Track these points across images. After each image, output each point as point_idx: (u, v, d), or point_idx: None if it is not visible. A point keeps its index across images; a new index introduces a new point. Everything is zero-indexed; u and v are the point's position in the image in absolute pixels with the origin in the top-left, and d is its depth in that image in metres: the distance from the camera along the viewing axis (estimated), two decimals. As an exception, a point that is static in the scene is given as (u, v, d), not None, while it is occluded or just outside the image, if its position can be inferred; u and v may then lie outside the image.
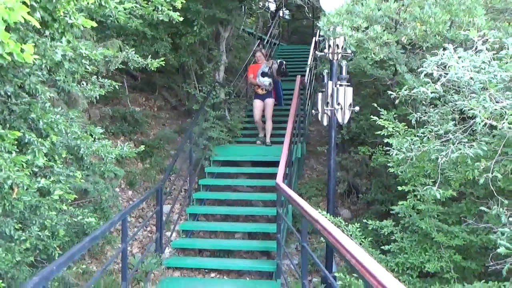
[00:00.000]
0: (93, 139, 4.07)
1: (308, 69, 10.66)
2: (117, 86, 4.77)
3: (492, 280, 4.14)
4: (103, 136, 4.31)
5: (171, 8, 4.10)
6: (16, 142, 3.00)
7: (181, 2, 4.15)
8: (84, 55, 3.08)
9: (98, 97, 4.39)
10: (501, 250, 3.27)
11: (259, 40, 13.97)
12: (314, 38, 12.31)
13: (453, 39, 5.17)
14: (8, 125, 3.10)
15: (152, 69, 4.86)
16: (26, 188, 3.12)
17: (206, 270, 6.52)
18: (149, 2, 3.99)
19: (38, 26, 1.98)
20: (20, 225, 3.43)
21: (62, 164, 3.77)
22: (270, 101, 9.33)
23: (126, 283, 4.28)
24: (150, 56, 4.75)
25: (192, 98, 10.09)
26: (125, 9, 3.32)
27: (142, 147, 5.00)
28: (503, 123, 3.51)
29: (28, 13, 1.83)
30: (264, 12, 16.70)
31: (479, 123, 3.61)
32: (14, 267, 3.31)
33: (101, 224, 4.26)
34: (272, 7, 18.17)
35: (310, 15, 13.57)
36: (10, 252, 3.23)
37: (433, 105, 5.10)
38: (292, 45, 17.49)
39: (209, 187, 8.37)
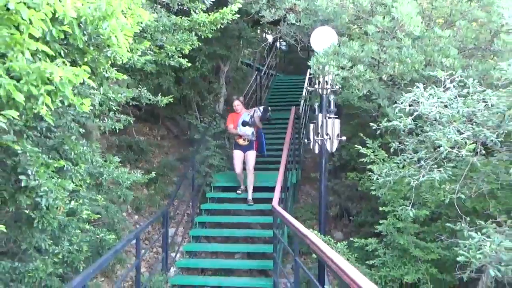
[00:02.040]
0: (113, 166, 4.70)
1: (302, 100, 11.32)
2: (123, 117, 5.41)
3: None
4: (120, 164, 4.95)
5: (181, 55, 4.78)
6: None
7: (188, 48, 4.83)
8: (111, 98, 3.72)
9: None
10: (460, 258, 3.86)
11: (256, 72, 14.67)
12: (308, 70, 13.02)
13: (429, 76, 5.85)
14: (45, 156, 3.70)
15: (160, 104, 5.49)
16: (60, 209, 3.71)
17: (209, 288, 7.06)
18: (161, 50, 4.68)
19: (93, 84, 2.60)
20: (51, 241, 4.01)
21: (86, 189, 4.37)
22: (251, 153, 8.69)
23: (139, 294, 4.84)
24: (153, 88, 5.39)
25: (193, 128, 10.74)
26: (145, 59, 3.98)
27: (153, 174, 5.63)
28: (462, 151, 4.13)
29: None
30: (262, 43, 17.48)
31: (443, 152, 4.24)
32: (47, 277, 3.88)
33: (117, 242, 4.86)
34: (270, 38, 18.99)
35: (303, 48, 14.29)
36: (45, 264, 3.80)
37: (412, 135, 5.74)
38: (289, 75, 18.17)
39: (211, 211, 8.93)
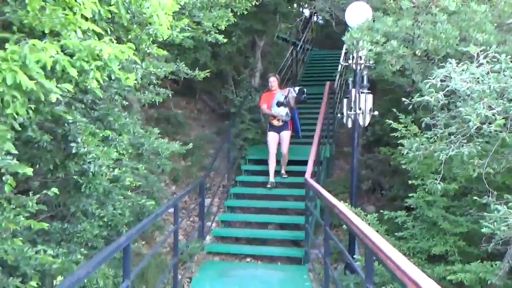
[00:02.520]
0: (153, 138, 4.97)
1: (338, 75, 11.36)
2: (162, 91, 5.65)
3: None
4: (160, 135, 5.22)
5: (217, 31, 4.97)
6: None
7: (224, 24, 5.01)
8: (152, 72, 3.95)
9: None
10: (485, 230, 3.98)
11: (292, 46, 14.70)
12: (344, 45, 12.98)
13: (463, 52, 5.85)
14: (92, 125, 3.98)
15: (198, 78, 5.71)
16: (105, 175, 4.00)
17: (242, 256, 7.36)
18: (199, 26, 4.87)
19: (136, 59, 2.82)
20: (96, 205, 4.33)
21: (128, 159, 4.65)
22: (286, 134, 8.58)
23: (177, 258, 5.15)
24: (191, 62, 5.58)
25: (229, 102, 10.97)
26: (184, 36, 4.19)
27: (191, 145, 5.90)
28: (491, 126, 4.21)
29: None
30: (298, 18, 17.40)
31: (472, 127, 4.32)
32: (93, 239, 4.21)
33: (157, 209, 5.17)
34: (306, 12, 18.87)
35: (339, 23, 14.21)
36: (91, 226, 4.12)
37: (445, 110, 5.80)
38: (324, 50, 18.11)
39: (245, 183, 9.19)
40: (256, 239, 7.74)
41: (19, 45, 2.08)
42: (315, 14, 17.57)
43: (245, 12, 5.24)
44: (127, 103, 4.19)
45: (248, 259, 7.32)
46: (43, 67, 2.02)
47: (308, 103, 11.84)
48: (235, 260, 7.33)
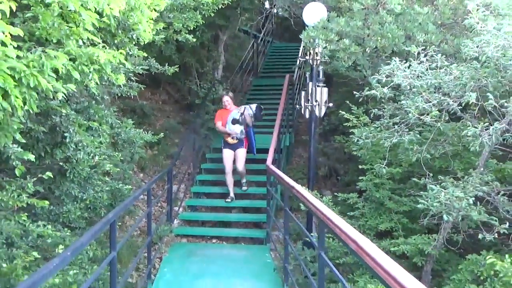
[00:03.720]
0: (129, 128, 5.42)
1: (296, 68, 11.97)
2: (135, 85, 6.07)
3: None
4: (134, 126, 5.68)
5: (187, 31, 5.44)
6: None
7: (193, 25, 5.48)
8: (130, 70, 4.39)
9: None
10: (420, 206, 4.65)
11: (253, 39, 15.16)
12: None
13: (408, 51, 6.52)
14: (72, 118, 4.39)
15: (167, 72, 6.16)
16: (86, 162, 4.44)
17: (208, 237, 7.90)
18: (169, 26, 5.32)
19: (125, 62, 3.26)
20: (78, 190, 4.76)
21: (105, 147, 5.09)
22: (241, 152, 8.47)
23: (151, 237, 5.65)
24: (156, 55, 5.94)
25: (193, 93, 11.41)
26: (159, 37, 4.64)
27: (162, 134, 6.38)
28: (427, 117, 4.87)
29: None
30: (258, 9, 17.84)
31: (412, 118, 4.98)
32: (76, 219, 4.64)
33: (131, 193, 5.64)
34: (267, 4, 19.34)
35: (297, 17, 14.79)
36: (75, 208, 4.56)
37: (392, 103, 6.46)
38: (284, 42, 18.68)
39: (209, 170, 9.69)
40: (221, 222, 8.28)
41: (30, 52, 2.52)
42: (275, 6, 18.10)
43: (212, 14, 5.72)
44: (107, 97, 4.60)
45: (214, 240, 7.86)
46: (55, 71, 2.47)
47: (269, 93, 12.49)
48: (201, 241, 7.85)
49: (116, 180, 6.38)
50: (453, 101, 4.98)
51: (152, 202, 5.84)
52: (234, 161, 8.48)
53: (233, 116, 8.40)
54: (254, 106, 8.55)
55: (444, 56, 5.89)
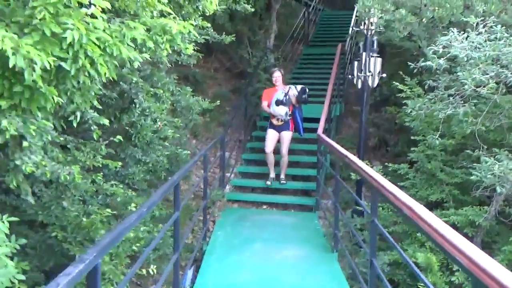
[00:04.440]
0: (188, 95, 5.65)
1: (349, 37, 11.87)
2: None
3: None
4: (192, 93, 5.91)
5: (246, 1, 5.57)
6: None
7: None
8: (194, 39, 4.56)
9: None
10: (473, 177, 4.69)
11: (304, 7, 15.05)
12: (355, 7, 13.42)
13: (466, 21, 6.42)
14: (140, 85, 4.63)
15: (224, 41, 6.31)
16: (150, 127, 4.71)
17: (258, 203, 8.14)
18: (228, -4, 5.47)
19: (194, 32, 3.43)
20: (141, 153, 5.05)
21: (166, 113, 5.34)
22: (287, 135, 8.09)
23: (207, 200, 5.93)
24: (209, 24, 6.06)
25: (244, 61, 11.56)
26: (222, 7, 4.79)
27: (218, 102, 6.59)
28: (482, 89, 4.85)
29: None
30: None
31: (468, 89, 4.97)
32: (139, 181, 4.94)
33: (188, 159, 5.91)
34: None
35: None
36: (139, 170, 4.85)
37: (446, 74, 6.42)
38: (336, 10, 18.41)
39: (260, 138, 9.87)
40: (271, 189, 8.49)
41: (110, 23, 2.72)
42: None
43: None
44: (169, 65, 4.81)
45: (264, 206, 8.10)
46: (133, 41, 2.66)
47: (319, 63, 12.47)
48: (252, 207, 8.11)
49: (173, 145, 6.68)
50: (511, 74, 4.94)
51: (207, 168, 6.09)
52: (279, 142, 8.20)
53: (277, 96, 8.00)
54: (299, 87, 8.13)
55: (504, 27, 5.79)
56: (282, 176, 8.29)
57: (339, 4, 19.44)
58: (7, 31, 2.15)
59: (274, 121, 8.13)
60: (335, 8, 18.90)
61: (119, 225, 2.48)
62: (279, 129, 8.11)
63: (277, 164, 8.41)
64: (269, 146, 8.13)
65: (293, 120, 8.16)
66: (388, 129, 9.79)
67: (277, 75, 8.18)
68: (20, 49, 2.07)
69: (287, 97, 7.95)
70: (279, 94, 7.98)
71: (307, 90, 8.10)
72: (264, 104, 8.18)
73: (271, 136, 8.15)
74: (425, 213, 2.63)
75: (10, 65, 2.07)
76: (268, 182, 8.31)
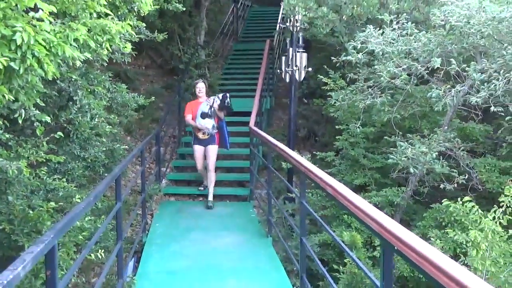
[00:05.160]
0: (124, 92, 5.81)
1: (276, 33, 12.32)
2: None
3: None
4: (127, 90, 6.07)
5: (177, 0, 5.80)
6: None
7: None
8: (130, 38, 4.76)
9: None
10: (389, 161, 5.21)
11: (233, 4, 15.35)
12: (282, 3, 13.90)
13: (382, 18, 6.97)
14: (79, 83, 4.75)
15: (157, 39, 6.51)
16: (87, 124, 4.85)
17: (194, 196, 8.40)
18: (160, -5, 5.68)
19: (130, 31, 3.64)
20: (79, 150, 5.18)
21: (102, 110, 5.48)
22: (213, 148, 7.67)
23: (145, 193, 6.12)
24: (139, 21, 6.22)
25: (175, 58, 11.72)
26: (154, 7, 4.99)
27: (153, 98, 6.77)
28: (397, 81, 5.37)
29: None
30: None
31: (383, 81, 5.48)
32: (79, 177, 5.07)
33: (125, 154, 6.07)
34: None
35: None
36: (78, 166, 4.98)
37: (367, 67, 6.95)
38: (264, 6, 18.82)
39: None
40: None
41: (51, 24, 2.90)
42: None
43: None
44: (103, 64, 4.95)
45: (200, 199, 8.36)
46: (75, 41, 2.85)
47: (250, 58, 12.86)
48: (188, 199, 8.35)
49: (110, 142, 6.80)
50: (421, 66, 5.49)
51: (145, 162, 6.27)
52: (205, 157, 7.80)
53: (202, 109, 7.55)
54: (221, 95, 7.67)
55: (415, 23, 6.38)
56: (210, 198, 7.73)
57: (266, 1, 19.86)
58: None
59: (200, 135, 7.69)
60: (263, 4, 19.30)
61: (71, 211, 2.69)
62: (204, 143, 7.71)
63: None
64: (199, 163, 7.86)
65: (219, 134, 7.79)
66: (316, 120, 10.33)
67: (201, 86, 7.76)
68: (-28, 51, 2.24)
69: (212, 109, 7.55)
70: (204, 107, 7.57)
71: (228, 96, 7.64)
72: (189, 117, 7.71)
73: (199, 153, 7.80)
74: (344, 189, 3.03)
75: (-38, 67, 2.23)
76: (201, 188, 8.26)
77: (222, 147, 7.90)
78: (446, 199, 5.45)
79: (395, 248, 2.18)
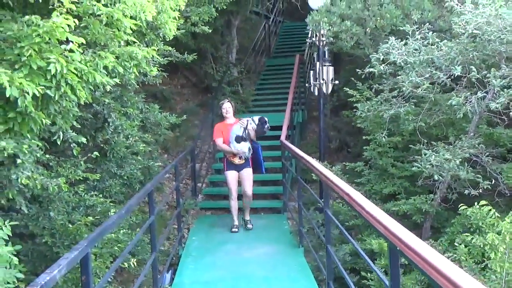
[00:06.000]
0: (156, 112, 6.15)
1: (307, 48, 12.52)
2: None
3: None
4: (160, 110, 6.40)
5: (203, 23, 6.11)
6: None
7: (208, 18, 6.15)
8: (158, 62, 5.08)
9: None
10: (414, 169, 5.30)
11: (265, 20, 15.65)
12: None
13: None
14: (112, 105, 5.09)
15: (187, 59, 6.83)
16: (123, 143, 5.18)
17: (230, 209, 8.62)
18: (187, 19, 5.99)
19: (155, 56, 3.93)
20: (116, 168, 5.51)
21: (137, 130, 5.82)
22: (249, 172, 7.15)
23: (180, 208, 6.40)
24: (173, 43, 6.50)
25: (209, 76, 12.09)
26: (180, 32, 5.31)
27: (184, 116, 7.09)
28: (419, 90, 5.48)
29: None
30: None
31: (406, 91, 5.59)
32: (115, 194, 5.39)
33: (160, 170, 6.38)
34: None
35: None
36: (115, 183, 5.30)
37: (392, 77, 7.06)
38: (296, 21, 19.07)
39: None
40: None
41: (83, 54, 3.20)
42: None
43: (225, 7, 6.37)
44: (137, 86, 5.28)
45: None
46: (104, 68, 3.15)
47: (282, 73, 13.09)
48: (224, 213, 8.59)
49: (146, 159, 7.13)
50: (443, 74, 5.58)
51: (179, 178, 6.56)
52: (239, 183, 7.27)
53: (235, 132, 6.93)
54: (256, 118, 7.07)
55: (440, 32, 6.46)
56: (248, 217, 7.48)
57: (298, 16, 20.04)
58: (0, 68, 2.63)
59: (236, 160, 7.07)
60: (294, 20, 19.55)
61: (103, 223, 2.96)
62: (239, 168, 7.12)
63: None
64: (234, 189, 7.21)
65: (253, 157, 7.24)
66: (348, 131, 10.41)
67: (227, 106, 7.18)
68: (14, 81, 2.54)
69: (247, 131, 6.96)
70: (237, 129, 6.94)
71: (267, 120, 7.08)
72: (220, 141, 7.07)
73: (234, 178, 7.16)
74: (358, 196, 3.19)
75: (7, 95, 2.53)
76: (235, 229, 7.28)
77: (256, 172, 7.39)
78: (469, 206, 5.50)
79: (397, 248, 2.34)
